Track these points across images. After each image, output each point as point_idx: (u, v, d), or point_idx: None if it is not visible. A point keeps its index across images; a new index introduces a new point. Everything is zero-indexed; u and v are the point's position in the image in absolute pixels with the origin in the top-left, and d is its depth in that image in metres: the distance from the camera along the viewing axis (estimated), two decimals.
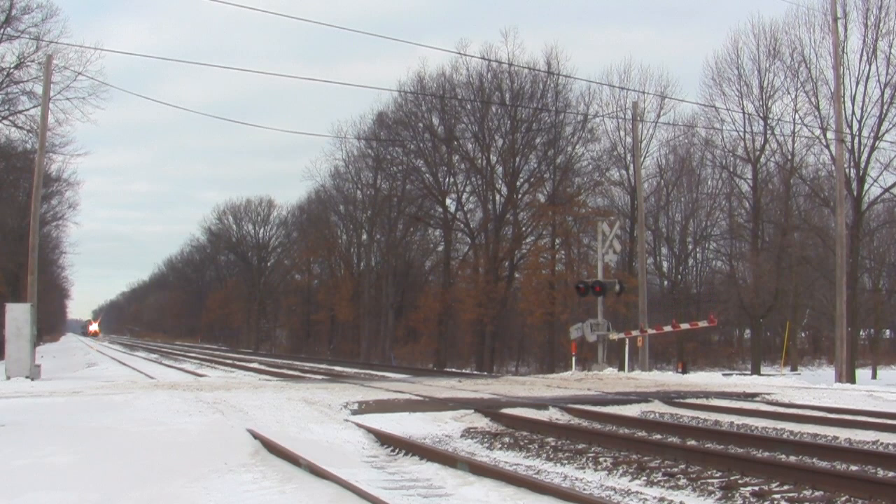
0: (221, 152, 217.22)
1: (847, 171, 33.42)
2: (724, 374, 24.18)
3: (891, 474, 8.41)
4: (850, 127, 35.05)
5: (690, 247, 51.19)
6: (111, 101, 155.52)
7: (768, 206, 43.92)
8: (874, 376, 40.83)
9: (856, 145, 36.29)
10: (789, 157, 41.15)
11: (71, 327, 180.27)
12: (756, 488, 7.80)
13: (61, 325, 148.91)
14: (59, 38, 33.05)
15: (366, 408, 13.55)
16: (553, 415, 13.43)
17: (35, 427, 10.99)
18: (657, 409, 14.47)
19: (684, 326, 29.35)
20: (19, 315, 22.84)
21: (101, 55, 42.28)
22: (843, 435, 11.23)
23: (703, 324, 27.46)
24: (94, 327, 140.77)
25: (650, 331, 28.27)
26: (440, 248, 55.82)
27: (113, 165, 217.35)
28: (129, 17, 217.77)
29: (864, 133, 36.29)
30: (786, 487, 7.86)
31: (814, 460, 9.23)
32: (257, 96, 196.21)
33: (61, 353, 57.82)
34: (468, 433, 11.64)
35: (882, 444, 10.50)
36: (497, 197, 48.68)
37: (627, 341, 27.81)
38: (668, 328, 29.58)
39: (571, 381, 20.64)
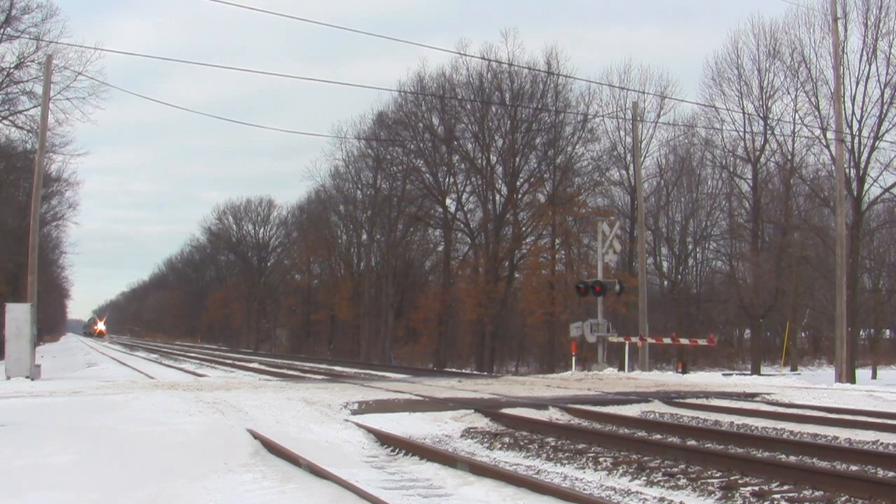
0: (222, 152, 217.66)
1: (847, 171, 33.41)
2: (724, 374, 24.17)
3: (891, 474, 8.41)
4: (850, 127, 35.05)
5: (690, 247, 51.23)
6: (111, 101, 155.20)
7: (768, 206, 43.92)
8: (874, 376, 40.80)
9: (856, 145, 36.30)
10: (789, 157, 41.17)
11: (71, 327, 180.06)
12: (756, 488, 7.80)
13: (61, 325, 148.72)
14: (59, 38, 33.07)
15: (366, 408, 13.54)
16: (553, 415, 13.43)
17: (35, 427, 10.98)
18: (657, 409, 14.47)
19: (683, 342, 29.46)
20: (19, 315, 22.83)
21: (102, 55, 42.33)
22: (843, 435, 11.24)
23: (701, 342, 27.53)
24: (100, 326, 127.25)
25: (650, 340, 28.32)
26: (440, 248, 55.84)
27: (113, 165, 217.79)
28: (131, 17, 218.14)
29: (864, 133, 36.32)
30: (786, 487, 7.87)
31: (814, 460, 9.23)
32: (258, 96, 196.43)
33: (61, 353, 57.82)
34: (468, 433, 11.64)
35: (882, 444, 10.50)
36: (497, 197, 48.69)
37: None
38: (667, 340, 29.70)
39: (571, 381, 20.63)
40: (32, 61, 35.36)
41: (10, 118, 37.44)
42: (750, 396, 16.10)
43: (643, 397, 15.53)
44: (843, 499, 7.40)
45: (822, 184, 39.67)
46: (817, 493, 7.62)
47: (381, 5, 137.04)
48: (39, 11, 34.82)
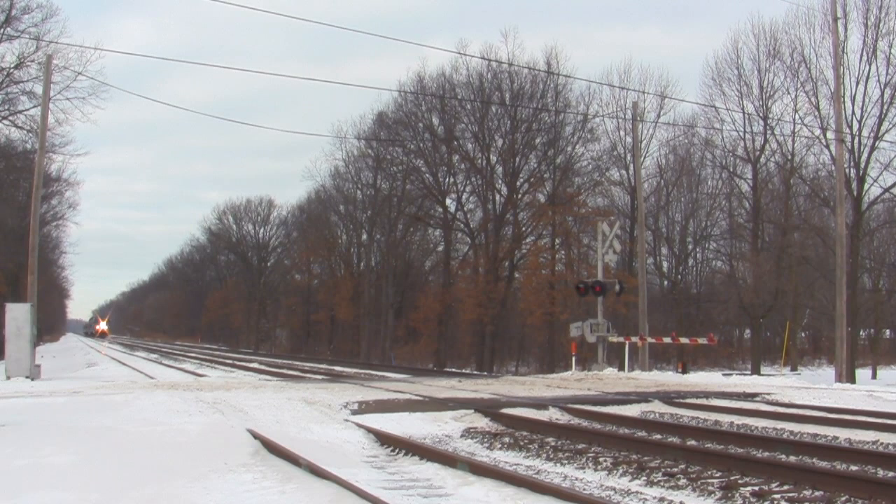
0: (222, 152, 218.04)
1: (847, 171, 33.41)
2: (724, 374, 24.18)
3: (891, 474, 8.41)
4: (850, 127, 35.04)
5: (690, 247, 51.21)
6: (111, 101, 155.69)
7: (768, 206, 43.91)
8: (874, 376, 40.81)
9: (856, 145, 36.30)
10: (789, 157, 41.16)
11: (71, 327, 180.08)
12: (756, 488, 7.80)
13: (61, 325, 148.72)
14: (59, 38, 33.08)
15: (366, 408, 13.54)
16: (553, 415, 13.43)
17: (35, 427, 10.98)
18: (657, 409, 14.47)
19: (684, 341, 29.43)
20: (19, 315, 22.83)
21: (102, 55, 42.37)
22: (843, 435, 11.24)
23: (702, 341, 27.53)
24: (101, 326, 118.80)
25: (650, 339, 28.31)
26: (440, 248, 55.83)
27: (114, 165, 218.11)
28: (131, 17, 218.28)
29: (864, 133, 36.32)
30: (786, 487, 7.87)
31: (814, 460, 9.23)
32: (258, 96, 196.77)
33: (61, 353, 57.81)
34: (468, 433, 11.64)
35: (882, 444, 10.50)
36: (497, 197, 48.68)
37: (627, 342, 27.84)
38: (667, 340, 29.69)
39: (571, 381, 20.63)
40: (32, 61, 35.41)
41: (10, 118, 37.48)
42: (750, 396, 16.10)
43: (643, 397, 15.53)
44: (843, 499, 7.40)
45: (822, 184, 39.67)
46: (817, 493, 7.62)
47: (381, 5, 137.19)
48: (39, 11, 34.89)
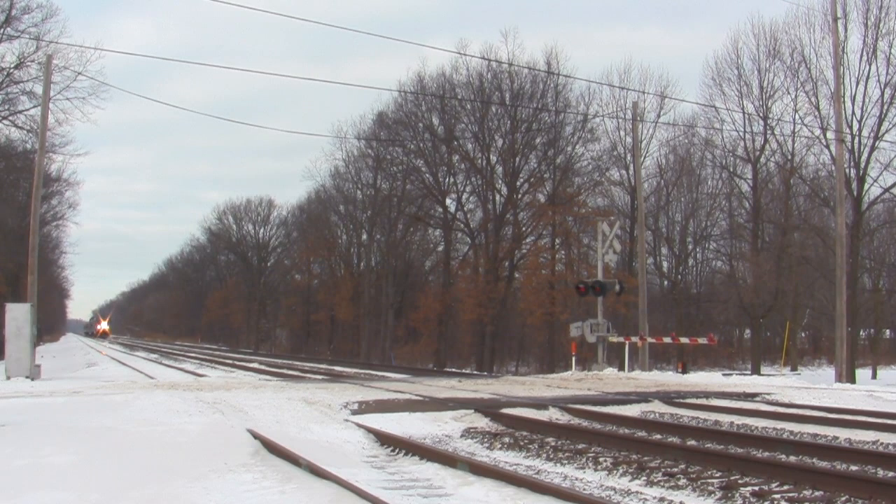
0: (222, 152, 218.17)
1: (847, 171, 33.41)
2: (724, 374, 24.16)
3: (891, 474, 8.41)
4: (850, 127, 35.05)
5: (690, 247, 51.21)
6: (111, 101, 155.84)
7: (768, 206, 43.92)
8: (874, 376, 40.82)
9: (856, 145, 36.31)
10: (789, 157, 41.17)
11: (71, 327, 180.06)
12: (756, 488, 7.80)
13: (61, 325, 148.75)
14: (59, 38, 33.11)
15: (366, 408, 13.54)
16: (553, 415, 13.43)
17: (35, 427, 10.98)
18: (657, 409, 14.47)
19: (684, 341, 29.44)
20: (19, 315, 22.83)
21: (102, 55, 42.35)
22: (843, 435, 11.24)
23: (702, 341, 27.55)
24: (102, 326, 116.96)
25: (650, 339, 28.32)
26: (440, 248, 55.82)
27: (114, 165, 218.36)
28: (132, 17, 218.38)
29: (864, 133, 36.34)
30: (786, 487, 7.87)
31: (814, 460, 9.23)
32: (258, 96, 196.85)
33: (61, 353, 57.81)
34: (468, 433, 11.64)
35: (882, 444, 10.50)
36: (497, 197, 48.68)
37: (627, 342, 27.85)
38: (667, 339, 29.71)
39: (571, 381, 20.63)
40: (32, 61, 35.43)
41: (10, 118, 37.50)
42: (750, 396, 16.10)
43: (643, 397, 15.53)
44: (843, 499, 7.40)
45: (822, 184, 39.69)
46: (817, 493, 7.62)
47: (381, 5, 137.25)
48: (39, 11, 34.92)
